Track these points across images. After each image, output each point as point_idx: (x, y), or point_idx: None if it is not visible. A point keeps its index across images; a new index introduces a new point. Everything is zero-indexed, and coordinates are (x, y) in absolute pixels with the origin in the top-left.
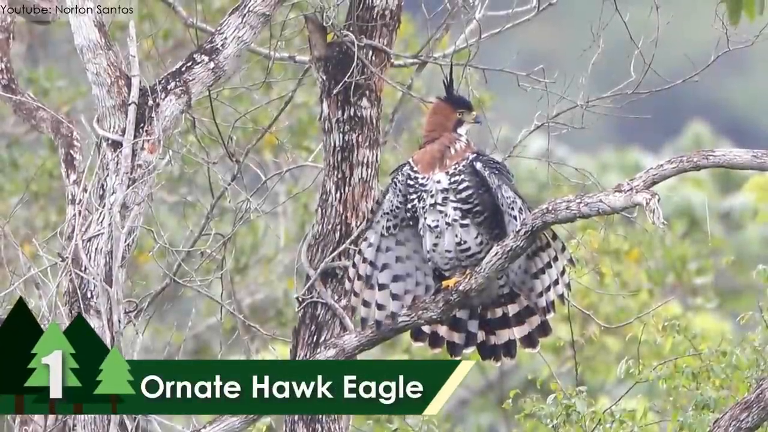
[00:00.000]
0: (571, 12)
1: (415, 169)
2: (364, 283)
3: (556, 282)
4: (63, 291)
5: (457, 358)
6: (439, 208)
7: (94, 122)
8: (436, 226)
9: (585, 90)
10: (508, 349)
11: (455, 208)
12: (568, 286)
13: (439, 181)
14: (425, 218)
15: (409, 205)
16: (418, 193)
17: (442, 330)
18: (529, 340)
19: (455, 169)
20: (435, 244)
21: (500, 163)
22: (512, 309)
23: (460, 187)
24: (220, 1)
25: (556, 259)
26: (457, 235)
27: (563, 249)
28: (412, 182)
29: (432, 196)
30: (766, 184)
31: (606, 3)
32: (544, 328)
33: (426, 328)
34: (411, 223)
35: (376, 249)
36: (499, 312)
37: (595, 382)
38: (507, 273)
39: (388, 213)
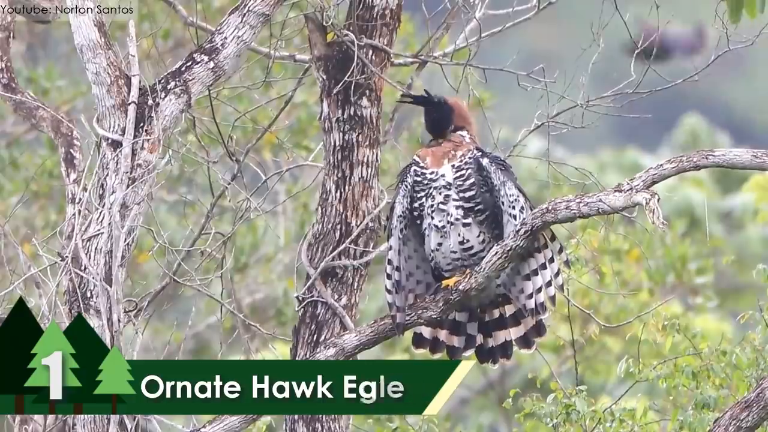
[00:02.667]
0: (571, 11)
1: (422, 165)
2: (396, 289)
3: (549, 284)
4: (63, 290)
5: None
6: (441, 207)
7: (93, 122)
8: (443, 227)
9: (585, 90)
10: (505, 350)
11: (457, 207)
12: (561, 288)
13: (443, 175)
14: (432, 218)
15: (416, 204)
16: (426, 190)
17: (442, 334)
18: (525, 341)
19: (461, 161)
20: (439, 244)
21: (505, 161)
22: (509, 310)
23: (466, 182)
24: (219, 0)
25: (552, 260)
26: (459, 234)
27: (560, 250)
28: (419, 178)
29: (440, 193)
30: (766, 184)
31: (606, 3)
32: (538, 329)
33: (427, 334)
34: (416, 222)
35: (397, 253)
36: (496, 313)
37: (595, 382)
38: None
39: (400, 215)
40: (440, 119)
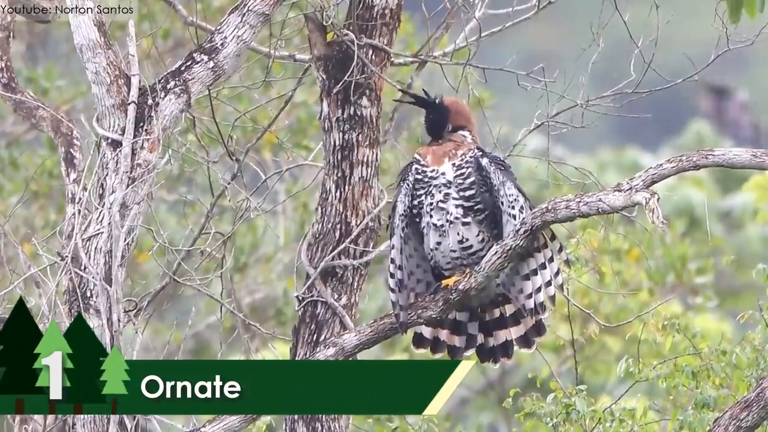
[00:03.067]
0: (571, 11)
1: (423, 162)
2: (399, 288)
3: (548, 284)
4: (63, 290)
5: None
6: (440, 205)
7: (93, 121)
8: (441, 225)
9: (585, 89)
10: (505, 349)
11: (457, 206)
12: (561, 287)
13: (444, 173)
14: (431, 216)
15: (416, 202)
16: (426, 188)
17: (443, 334)
18: (525, 341)
19: (462, 160)
20: (438, 243)
21: (504, 161)
22: (509, 309)
23: (466, 181)
24: (219, 0)
25: (551, 260)
26: (458, 233)
27: (560, 250)
28: (420, 176)
29: (440, 191)
30: (766, 184)
31: (606, 2)
32: (538, 329)
33: (427, 334)
34: (415, 220)
35: (399, 252)
36: (496, 312)
37: (595, 382)
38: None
39: (402, 214)
40: (436, 121)
